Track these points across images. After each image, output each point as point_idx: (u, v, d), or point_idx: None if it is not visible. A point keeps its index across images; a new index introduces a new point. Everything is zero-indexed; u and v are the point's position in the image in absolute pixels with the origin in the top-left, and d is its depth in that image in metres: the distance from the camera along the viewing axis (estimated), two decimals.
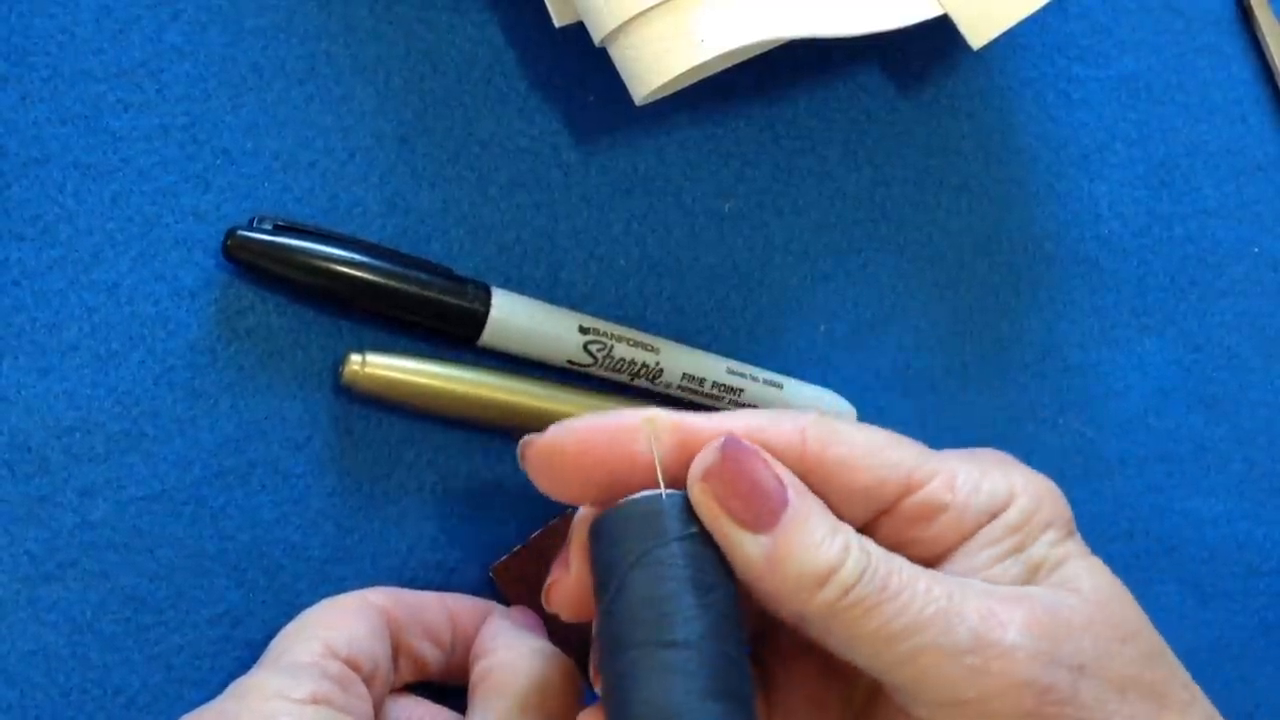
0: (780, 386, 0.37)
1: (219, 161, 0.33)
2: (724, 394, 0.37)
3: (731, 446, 0.27)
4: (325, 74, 0.35)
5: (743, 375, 0.37)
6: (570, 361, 0.35)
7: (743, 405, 0.37)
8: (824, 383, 0.39)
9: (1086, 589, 0.28)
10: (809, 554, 0.26)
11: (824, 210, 0.40)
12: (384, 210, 0.35)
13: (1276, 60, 0.45)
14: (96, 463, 0.32)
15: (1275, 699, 0.43)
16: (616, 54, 0.34)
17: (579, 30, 0.35)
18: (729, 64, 0.35)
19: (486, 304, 0.33)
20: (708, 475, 0.27)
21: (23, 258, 0.32)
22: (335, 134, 0.34)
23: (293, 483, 0.33)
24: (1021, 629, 0.26)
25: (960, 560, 0.28)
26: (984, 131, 0.42)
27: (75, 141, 0.32)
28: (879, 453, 0.29)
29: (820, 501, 0.28)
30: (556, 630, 0.35)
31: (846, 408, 0.39)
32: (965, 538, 0.29)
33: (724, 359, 0.37)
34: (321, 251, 0.32)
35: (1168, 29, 0.44)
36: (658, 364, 0.35)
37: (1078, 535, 0.30)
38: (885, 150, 0.40)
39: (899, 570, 0.27)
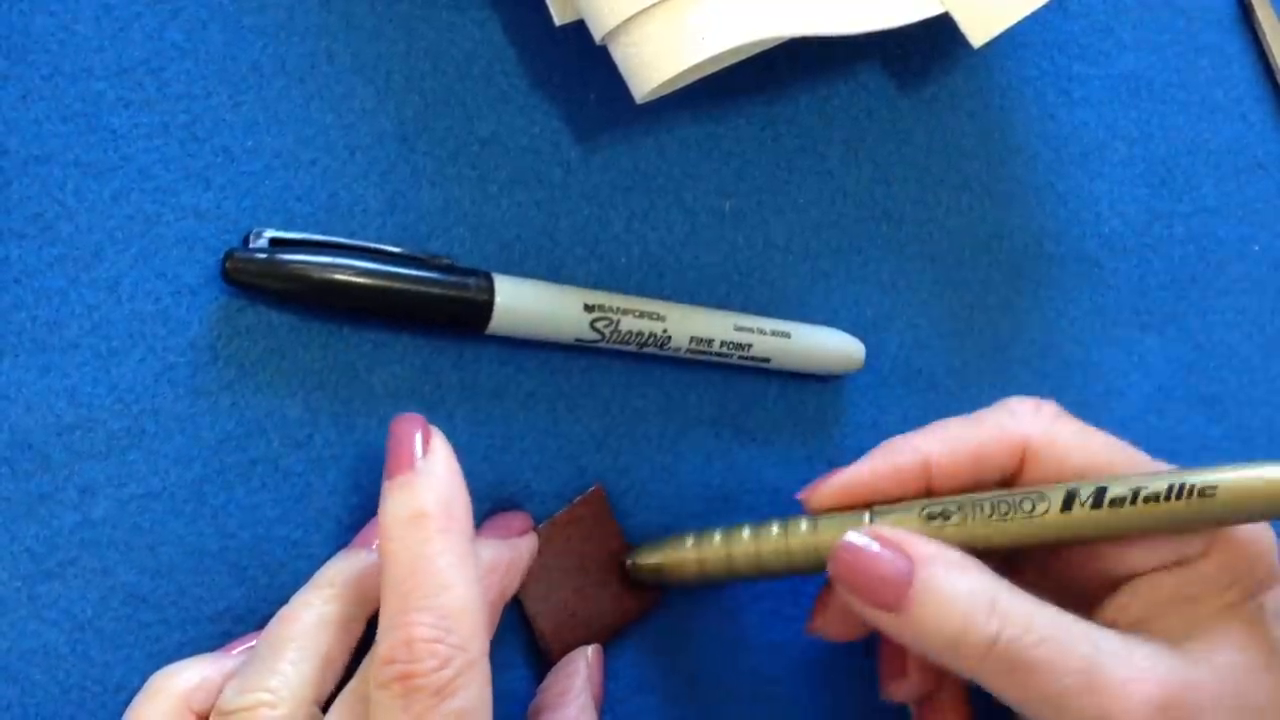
0: (788, 335, 0.38)
1: (219, 159, 0.33)
2: (733, 351, 0.37)
3: (846, 552, 0.31)
4: (326, 72, 0.35)
5: (750, 330, 0.37)
6: (579, 340, 0.35)
7: (751, 360, 0.37)
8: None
9: (1221, 663, 0.30)
10: (936, 625, 0.30)
11: (825, 209, 0.40)
12: (385, 208, 0.35)
13: (1277, 59, 0.45)
14: (97, 460, 0.32)
15: None
16: (617, 52, 0.34)
17: (579, 28, 0.35)
18: (730, 62, 0.35)
19: (490, 293, 0.33)
20: (836, 578, 0.31)
21: (23, 255, 0.32)
22: (336, 132, 0.34)
23: (293, 480, 0.33)
24: (1146, 703, 0.29)
25: (1127, 598, 0.31)
26: (985, 130, 0.42)
27: (76, 139, 0.32)
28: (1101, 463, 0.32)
29: (958, 561, 0.30)
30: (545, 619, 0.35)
31: (856, 346, 0.39)
32: (1145, 571, 0.31)
33: (730, 314, 0.37)
34: (322, 263, 0.32)
35: (1169, 27, 0.44)
36: (665, 331, 0.36)
37: (1263, 597, 0.31)
38: (886, 149, 0.40)
39: (1036, 642, 0.29)
